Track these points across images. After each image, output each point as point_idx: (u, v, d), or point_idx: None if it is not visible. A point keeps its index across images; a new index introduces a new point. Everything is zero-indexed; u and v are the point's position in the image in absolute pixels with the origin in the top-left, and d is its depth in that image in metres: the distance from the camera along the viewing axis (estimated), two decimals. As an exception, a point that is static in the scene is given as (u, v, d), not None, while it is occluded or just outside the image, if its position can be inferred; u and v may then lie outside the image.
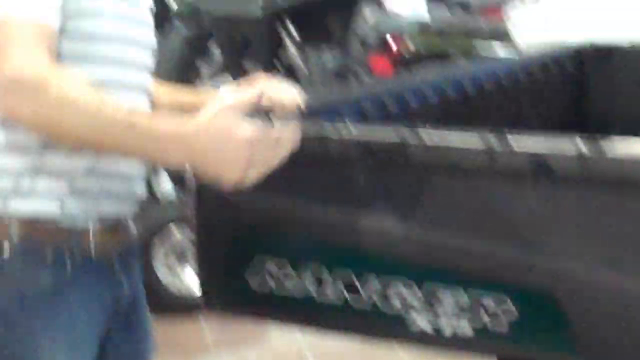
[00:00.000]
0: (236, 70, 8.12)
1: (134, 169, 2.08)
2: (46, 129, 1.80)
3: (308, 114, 2.03)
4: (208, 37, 8.32)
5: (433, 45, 6.43)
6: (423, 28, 6.50)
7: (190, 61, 8.04)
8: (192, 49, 8.25)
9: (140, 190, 2.14)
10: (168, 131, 1.72)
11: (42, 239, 1.96)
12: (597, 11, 5.22)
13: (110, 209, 2.05)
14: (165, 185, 4.90)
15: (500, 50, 6.09)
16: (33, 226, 1.95)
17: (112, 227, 2.07)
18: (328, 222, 1.82)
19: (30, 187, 1.95)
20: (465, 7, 7.36)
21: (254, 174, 1.73)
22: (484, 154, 1.69)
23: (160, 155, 1.75)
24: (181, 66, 7.54)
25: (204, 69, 8.11)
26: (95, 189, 2.01)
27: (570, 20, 5.21)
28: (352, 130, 1.82)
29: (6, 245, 1.93)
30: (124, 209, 2.10)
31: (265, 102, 2.02)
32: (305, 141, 1.82)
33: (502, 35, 6.05)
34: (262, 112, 1.82)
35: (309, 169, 1.84)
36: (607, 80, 3.35)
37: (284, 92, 2.09)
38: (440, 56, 6.41)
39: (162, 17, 9.11)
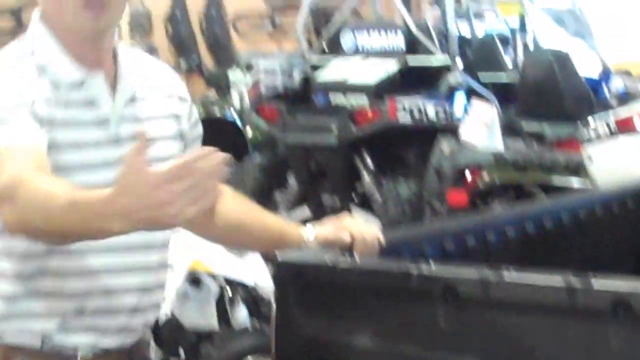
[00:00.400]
0: (312, 200, 8.20)
1: (127, 303, 2.18)
2: (26, 228, 1.93)
3: (389, 249, 2.06)
4: (284, 165, 8.41)
5: (509, 177, 6.45)
6: (499, 160, 6.52)
7: (266, 190, 8.12)
8: (268, 178, 8.35)
9: (141, 320, 2.25)
10: (99, 200, 1.80)
11: None
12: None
13: (100, 341, 2.16)
14: (241, 314, 4.90)
15: (576, 183, 6.08)
16: (14, 351, 2.10)
17: (104, 355, 2.17)
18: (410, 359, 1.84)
19: (16, 325, 2.12)
20: (540, 139, 7.38)
21: (187, 205, 1.75)
22: (564, 293, 1.71)
23: (103, 224, 1.81)
24: (257, 195, 7.62)
25: (281, 199, 8.19)
26: (83, 326, 2.13)
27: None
28: (432, 267, 1.85)
29: None
30: (118, 341, 2.19)
31: (347, 238, 2.08)
32: (386, 277, 1.85)
33: (578, 168, 6.04)
34: (345, 247, 1.87)
35: (390, 305, 1.87)
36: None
37: (366, 229, 2.14)
38: (516, 188, 6.41)
39: (237, 145, 9.27)
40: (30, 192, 1.88)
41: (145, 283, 2.23)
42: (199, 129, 2.44)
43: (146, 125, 2.21)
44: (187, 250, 4.67)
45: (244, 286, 4.79)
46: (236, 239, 2.47)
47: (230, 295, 4.78)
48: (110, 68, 2.21)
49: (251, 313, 4.83)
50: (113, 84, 2.20)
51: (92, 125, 2.14)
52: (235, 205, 2.39)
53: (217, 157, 1.77)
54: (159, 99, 2.30)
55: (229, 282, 4.73)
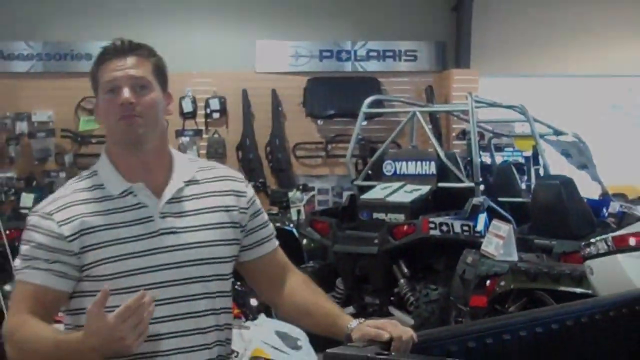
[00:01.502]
0: (357, 300, 8.19)
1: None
2: None
3: (420, 347, 2.08)
4: (333, 271, 8.42)
5: (522, 285, 6.41)
6: (514, 269, 6.50)
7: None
8: (320, 281, 8.33)
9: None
10: (76, 340, 2.15)
11: None
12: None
13: None
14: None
15: (579, 291, 6.04)
16: None
17: None
18: None
19: None
20: (549, 252, 7.36)
21: (135, 336, 2.10)
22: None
23: (82, 357, 2.15)
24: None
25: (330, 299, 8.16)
26: None
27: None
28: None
29: None
30: None
31: (386, 335, 2.11)
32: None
33: (581, 279, 6.00)
34: (384, 344, 1.90)
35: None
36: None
37: (402, 329, 2.17)
38: (528, 294, 6.38)
39: (294, 253, 9.31)
40: (23, 338, 2.24)
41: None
42: (259, 219, 2.54)
43: (186, 217, 2.37)
44: (251, 341, 4.69)
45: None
46: (304, 322, 2.54)
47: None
48: (158, 175, 2.39)
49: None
50: (162, 186, 2.38)
51: (139, 223, 2.33)
52: (308, 294, 2.49)
53: (148, 299, 2.11)
54: (209, 196, 2.43)
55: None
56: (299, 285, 2.51)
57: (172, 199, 2.37)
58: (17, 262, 2.34)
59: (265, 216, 2.57)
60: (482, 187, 8.37)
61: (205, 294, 2.37)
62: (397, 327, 2.16)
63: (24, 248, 2.34)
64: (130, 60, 2.35)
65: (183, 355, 2.32)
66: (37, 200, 11.22)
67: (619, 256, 5.34)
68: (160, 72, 2.41)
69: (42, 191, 11.95)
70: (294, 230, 9.64)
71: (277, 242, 2.59)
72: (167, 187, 2.38)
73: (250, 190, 2.52)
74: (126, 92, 2.31)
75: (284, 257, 2.60)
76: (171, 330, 2.31)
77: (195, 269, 2.35)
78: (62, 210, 2.32)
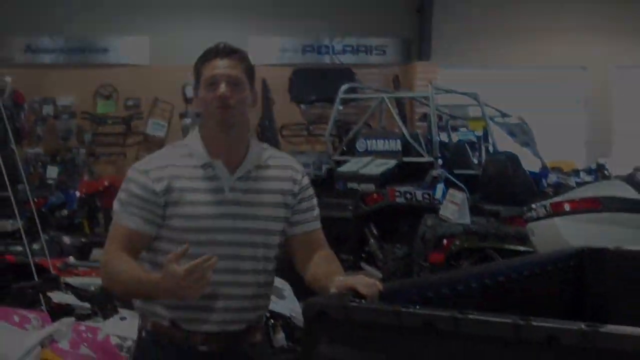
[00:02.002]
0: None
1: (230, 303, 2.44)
2: (111, 289, 2.53)
3: (387, 296, 2.06)
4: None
5: (474, 244, 6.43)
6: (467, 231, 6.51)
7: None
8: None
9: (240, 317, 2.47)
10: (153, 281, 2.27)
11: (160, 332, 2.46)
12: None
13: (211, 328, 2.45)
14: (280, 337, 4.83)
15: (522, 249, 6.06)
16: (155, 323, 2.47)
17: (216, 336, 2.45)
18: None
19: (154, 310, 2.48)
20: (497, 215, 7.37)
21: (198, 288, 2.21)
22: (512, 329, 1.71)
23: (153, 294, 2.32)
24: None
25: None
26: (200, 315, 2.43)
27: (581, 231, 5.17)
28: (417, 309, 1.86)
29: (142, 332, 2.53)
30: (225, 327, 2.45)
31: (359, 287, 2.09)
32: (383, 315, 1.85)
33: (524, 239, 6.02)
34: (357, 294, 1.88)
35: (386, 336, 1.87)
36: (599, 273, 3.29)
37: (371, 281, 2.17)
38: (479, 251, 6.39)
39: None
40: (114, 269, 2.38)
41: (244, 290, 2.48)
42: (306, 204, 2.60)
43: (249, 194, 2.48)
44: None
45: (283, 317, 4.76)
46: (315, 286, 2.51)
47: (273, 322, 4.75)
48: (235, 156, 2.49)
49: (287, 336, 4.79)
50: (236, 165, 2.47)
51: (212, 191, 2.44)
52: (323, 264, 2.52)
53: (210, 261, 2.20)
54: (270, 179, 2.52)
55: (272, 313, 4.71)
56: (321, 260, 2.55)
57: (242, 177, 2.47)
58: (115, 206, 2.46)
59: (314, 202, 2.62)
60: (440, 161, 8.35)
61: (252, 256, 2.47)
62: (367, 279, 2.16)
63: (122, 195, 2.46)
64: (228, 61, 2.47)
65: (228, 302, 2.44)
66: (60, 173, 11.17)
67: (556, 219, 5.37)
68: (250, 73, 2.51)
69: (66, 165, 11.89)
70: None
71: (318, 225, 2.62)
72: (239, 167, 2.48)
73: (305, 180, 2.60)
74: (223, 87, 2.42)
75: (321, 238, 2.63)
76: (221, 280, 2.39)
77: (249, 236, 2.46)
78: (157, 169, 2.44)
